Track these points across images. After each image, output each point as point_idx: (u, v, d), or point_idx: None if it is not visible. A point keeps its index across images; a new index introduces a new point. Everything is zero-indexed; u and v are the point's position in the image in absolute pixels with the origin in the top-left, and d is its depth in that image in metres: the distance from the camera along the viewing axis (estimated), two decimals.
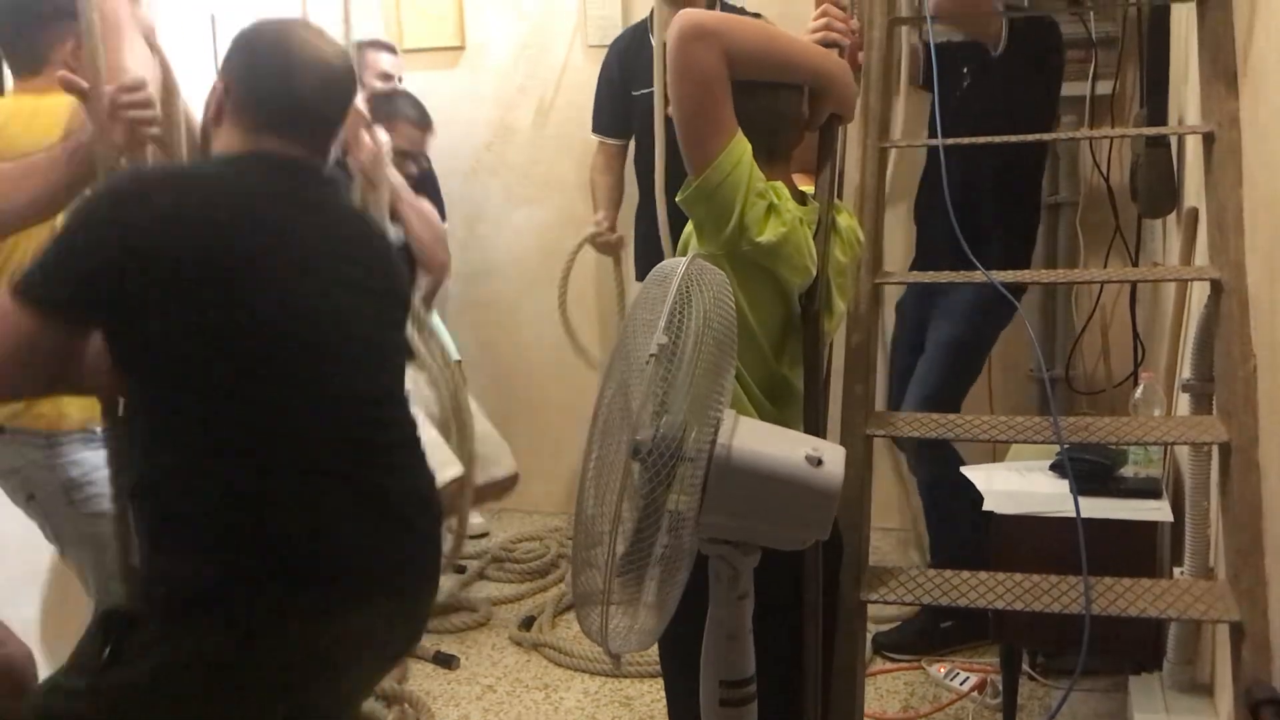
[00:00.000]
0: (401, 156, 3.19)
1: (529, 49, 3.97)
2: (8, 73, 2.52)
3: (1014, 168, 3.00)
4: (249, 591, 1.50)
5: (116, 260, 1.48)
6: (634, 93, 3.37)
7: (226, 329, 1.52)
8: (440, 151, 3.45)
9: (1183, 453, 2.36)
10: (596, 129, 3.57)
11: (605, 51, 3.62)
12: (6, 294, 1.48)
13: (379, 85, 3.44)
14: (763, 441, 1.33)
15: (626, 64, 3.44)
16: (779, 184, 1.63)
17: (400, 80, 3.57)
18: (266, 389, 1.55)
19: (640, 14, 3.69)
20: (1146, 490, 2.44)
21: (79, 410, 2.09)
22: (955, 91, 2.98)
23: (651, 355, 1.26)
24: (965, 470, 2.75)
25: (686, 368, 1.30)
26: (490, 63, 4.01)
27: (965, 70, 3.02)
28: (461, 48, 4.01)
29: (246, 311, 1.53)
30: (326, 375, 1.59)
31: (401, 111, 3.23)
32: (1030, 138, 2.48)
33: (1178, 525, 2.36)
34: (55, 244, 1.52)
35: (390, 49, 3.63)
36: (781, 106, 1.68)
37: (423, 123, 3.25)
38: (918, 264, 3.14)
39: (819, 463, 1.30)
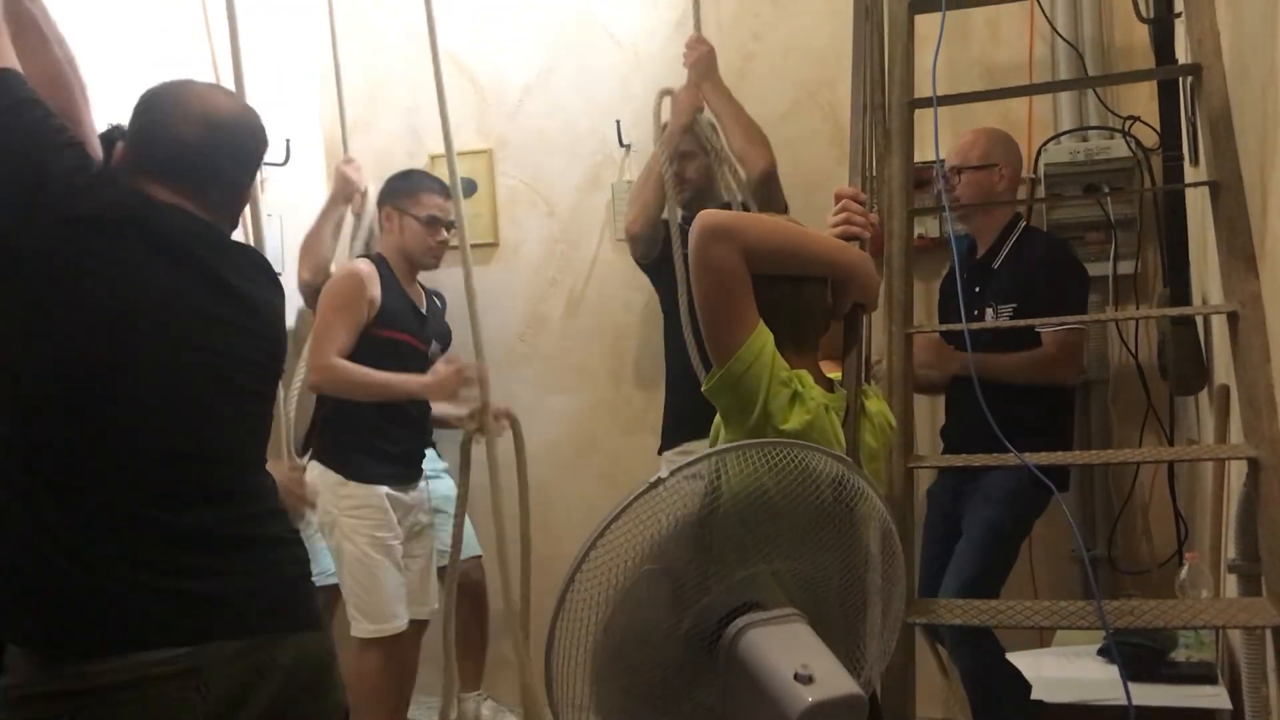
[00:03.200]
0: (435, 225, 3.32)
1: (560, 244, 4.10)
2: None
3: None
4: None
5: None
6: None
7: (43, 335, 1.55)
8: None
9: (1236, 636, 2.29)
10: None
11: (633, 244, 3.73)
12: None
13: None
14: (777, 641, 1.32)
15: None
16: (803, 372, 1.66)
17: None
18: (70, 407, 1.55)
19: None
20: (1201, 676, 2.36)
21: None
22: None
23: (650, 482, 1.36)
24: (1012, 656, 2.67)
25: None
26: (523, 258, 4.13)
27: (977, 290, 3.10)
28: (495, 244, 4.14)
29: (63, 326, 1.55)
30: (123, 413, 1.58)
31: (422, 184, 3.39)
32: (1054, 321, 2.51)
33: (1237, 712, 2.27)
34: None
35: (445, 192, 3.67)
36: (805, 298, 1.72)
37: (444, 190, 3.38)
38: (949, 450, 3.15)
39: (807, 680, 1.27)
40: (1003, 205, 3.03)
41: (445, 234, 3.37)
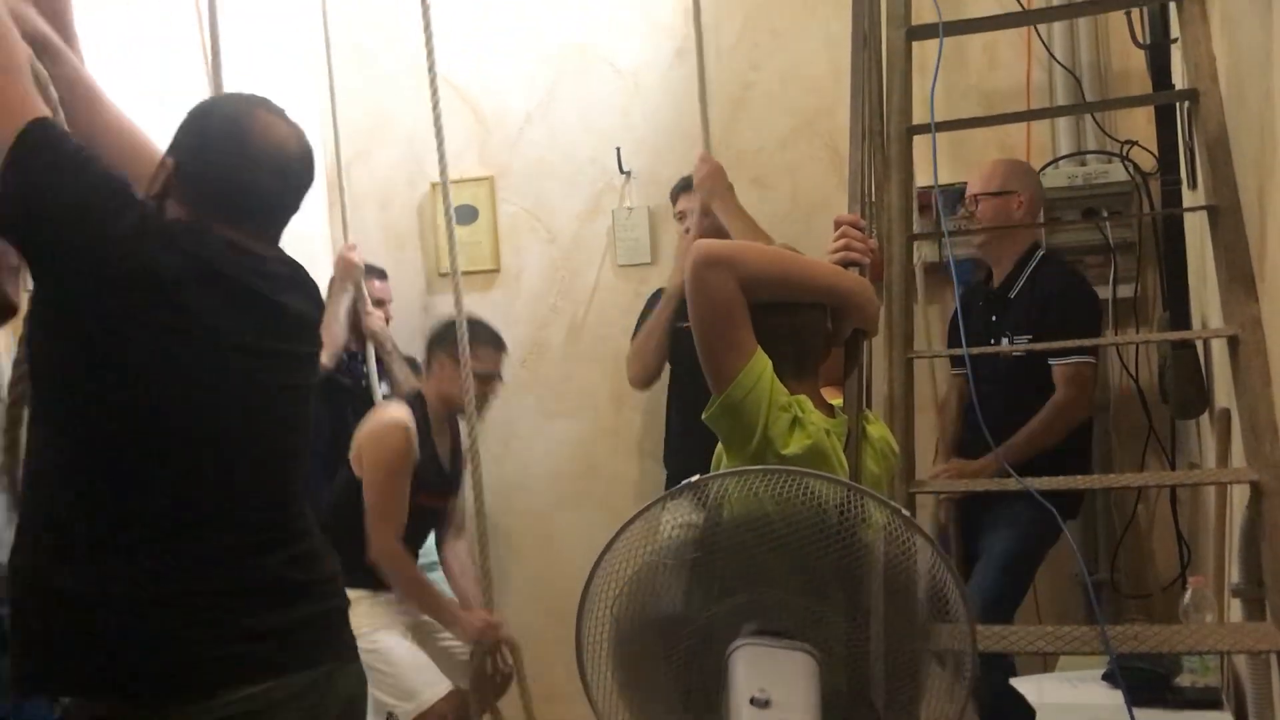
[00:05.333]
0: (483, 381, 3.20)
1: (561, 270, 4.11)
2: None
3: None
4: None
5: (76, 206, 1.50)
6: (679, 324, 3.40)
7: (132, 384, 1.53)
8: None
9: (1241, 660, 2.28)
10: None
11: (635, 270, 3.76)
12: None
13: (373, 311, 3.69)
14: (764, 664, 1.33)
15: None
16: (802, 397, 1.67)
17: (390, 302, 3.85)
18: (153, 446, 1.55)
19: (666, 235, 3.84)
20: (1206, 700, 2.35)
21: None
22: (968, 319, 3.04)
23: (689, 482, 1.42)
24: (1016, 681, 2.66)
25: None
26: (524, 284, 4.14)
27: (981, 303, 3.10)
28: (497, 270, 4.15)
29: (151, 377, 1.54)
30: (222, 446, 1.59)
31: (480, 337, 3.28)
32: (1056, 345, 2.52)
33: None
34: (66, 158, 1.53)
35: (382, 274, 3.86)
36: (802, 324, 1.73)
37: (498, 345, 3.36)
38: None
39: (763, 704, 1.29)
40: (1003, 230, 3.03)
41: (495, 386, 3.32)
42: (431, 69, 2.97)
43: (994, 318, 3.09)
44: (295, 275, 1.76)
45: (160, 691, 1.53)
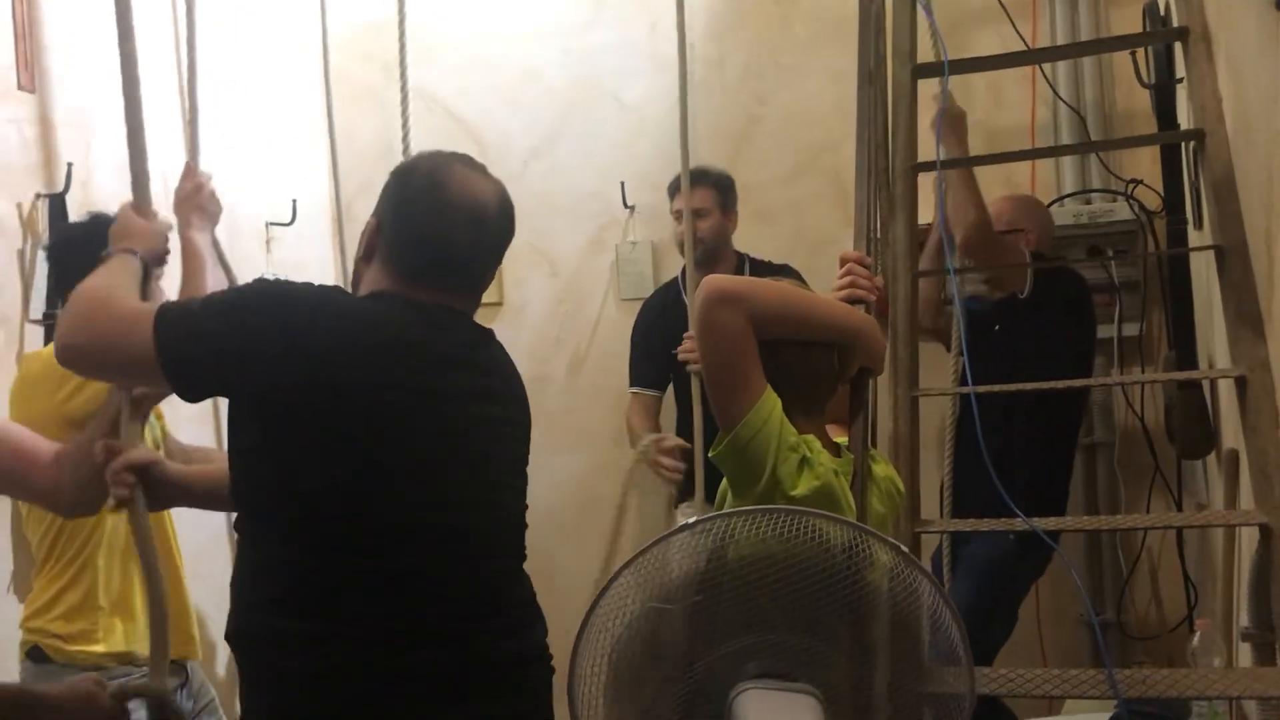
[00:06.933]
0: None
1: (564, 304, 4.10)
2: None
3: (1050, 401, 3.01)
4: None
5: (255, 351, 1.49)
6: (674, 351, 3.34)
7: (343, 456, 1.49)
8: None
9: (1251, 706, 2.25)
10: (635, 383, 3.58)
11: (638, 304, 3.73)
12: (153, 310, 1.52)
13: None
14: (768, 708, 1.32)
15: (666, 324, 3.44)
16: (811, 437, 1.65)
17: None
18: (382, 529, 1.51)
19: (669, 269, 3.83)
20: None
21: (123, 637, 2.23)
22: (986, 338, 3.02)
23: (690, 523, 1.38)
24: None
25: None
26: (527, 318, 4.13)
27: (996, 328, 3.07)
28: (500, 304, 4.14)
29: (367, 447, 1.50)
30: (453, 521, 1.56)
31: None
32: (1061, 384, 2.50)
33: None
34: (207, 306, 1.54)
35: None
36: (812, 362, 1.71)
37: None
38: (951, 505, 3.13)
39: None
40: (1004, 269, 3.02)
41: None
42: (405, 94, 2.94)
43: (997, 327, 3.05)
44: (499, 351, 1.76)
45: None
